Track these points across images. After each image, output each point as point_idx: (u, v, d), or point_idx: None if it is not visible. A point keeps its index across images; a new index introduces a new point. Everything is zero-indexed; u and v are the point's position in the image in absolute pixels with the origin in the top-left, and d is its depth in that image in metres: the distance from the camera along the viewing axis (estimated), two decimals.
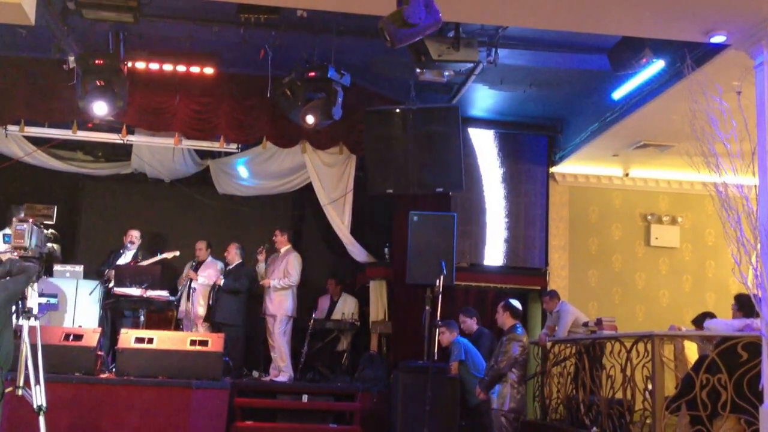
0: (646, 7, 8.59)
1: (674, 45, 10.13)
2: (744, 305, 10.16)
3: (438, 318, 11.61)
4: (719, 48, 9.64)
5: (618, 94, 12.65)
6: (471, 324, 12.79)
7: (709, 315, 11.26)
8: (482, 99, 14.00)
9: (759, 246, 8.38)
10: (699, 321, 11.18)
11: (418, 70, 11.36)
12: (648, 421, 9.68)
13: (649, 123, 12.83)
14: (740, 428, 8.82)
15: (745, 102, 8.68)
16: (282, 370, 13.95)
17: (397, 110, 12.92)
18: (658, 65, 11.05)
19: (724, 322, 10.20)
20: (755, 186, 8.65)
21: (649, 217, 16.14)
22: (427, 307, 11.78)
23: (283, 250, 14.44)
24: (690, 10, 8.57)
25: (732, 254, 8.52)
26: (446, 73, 11.50)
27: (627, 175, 15.97)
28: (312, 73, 11.98)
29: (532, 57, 12.20)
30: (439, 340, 11.78)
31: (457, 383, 11.91)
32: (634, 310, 15.62)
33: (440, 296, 11.58)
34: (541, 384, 13.18)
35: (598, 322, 12.29)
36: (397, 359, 13.54)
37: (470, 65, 11.69)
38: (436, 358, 11.65)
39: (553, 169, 15.67)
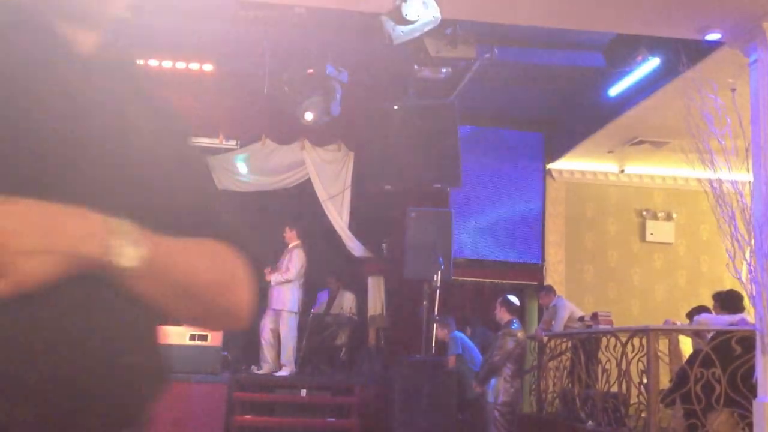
0: (641, 5, 8.63)
1: (669, 42, 10.14)
2: (726, 303, 10.26)
3: (435, 313, 11.66)
4: (714, 45, 9.66)
5: (613, 91, 12.69)
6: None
7: (705, 308, 11.31)
8: (480, 96, 14.00)
9: (753, 241, 8.44)
10: (694, 314, 11.24)
11: (416, 67, 11.36)
12: (643, 414, 9.76)
13: (645, 120, 12.87)
14: (734, 421, 8.89)
15: (740, 99, 8.74)
16: (284, 365, 14.01)
17: (396, 107, 12.93)
18: (653, 62, 11.10)
19: (715, 317, 10.27)
20: (749, 182, 8.70)
21: (644, 213, 16.20)
22: (425, 302, 11.82)
23: (291, 245, 14.50)
24: (685, 8, 8.60)
25: (726, 250, 8.57)
26: (444, 70, 11.49)
27: (622, 171, 16.01)
28: (310, 70, 12.02)
29: (529, 54, 12.24)
30: (436, 335, 11.84)
31: (455, 377, 11.93)
32: (629, 305, 15.69)
33: (438, 291, 11.63)
34: (537, 378, 13.21)
35: (594, 317, 12.38)
36: (394, 354, 13.58)
37: (468, 62, 11.70)
38: (433, 352, 11.70)
39: (549, 166, 15.75)
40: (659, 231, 16.13)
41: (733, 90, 8.77)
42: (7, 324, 1.28)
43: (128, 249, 1.37)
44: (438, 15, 7.42)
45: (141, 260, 1.38)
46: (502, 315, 11.29)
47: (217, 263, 1.57)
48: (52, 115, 1.40)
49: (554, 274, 15.50)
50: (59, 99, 1.43)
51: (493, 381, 10.88)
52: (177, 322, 1.61)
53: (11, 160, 1.34)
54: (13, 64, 1.40)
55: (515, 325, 11.07)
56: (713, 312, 10.79)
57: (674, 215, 16.21)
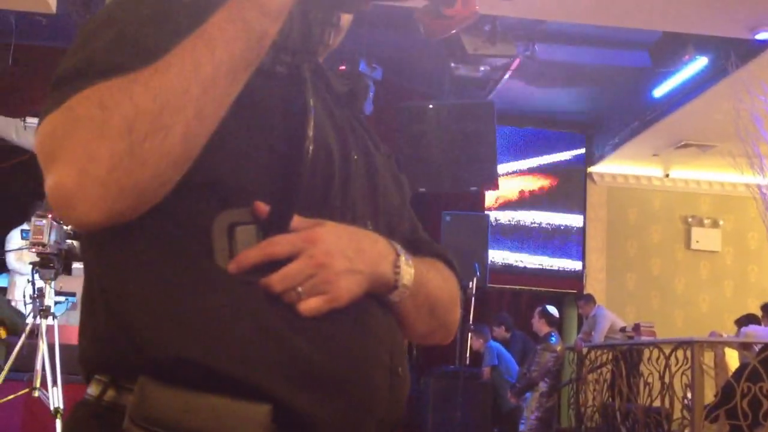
0: (690, 2, 8.48)
1: (718, 41, 10.06)
2: None
3: (470, 322, 11.46)
4: (765, 45, 9.49)
5: (659, 91, 12.47)
6: (500, 332, 12.76)
7: (754, 317, 11.15)
8: (519, 95, 13.81)
9: None
10: (743, 322, 11.10)
11: (452, 65, 11.24)
12: (686, 430, 9.61)
13: (691, 122, 12.63)
14: None
15: None
16: None
17: (431, 106, 12.75)
18: (701, 62, 10.92)
19: (763, 329, 10.12)
20: None
21: (690, 220, 15.92)
22: (460, 311, 11.59)
23: None
24: (735, 6, 8.51)
25: None
26: (482, 68, 11.38)
27: (667, 175, 15.76)
28: (342, 67, 11.82)
29: (571, 52, 12.12)
30: (470, 345, 11.66)
31: (489, 389, 11.84)
32: (672, 316, 15.39)
33: (473, 299, 11.42)
34: (576, 391, 13.09)
35: (636, 328, 12.24)
36: (427, 364, 13.38)
37: (507, 60, 11.52)
38: (468, 363, 11.51)
39: (590, 169, 15.53)
40: (705, 238, 15.82)
41: None
42: (342, 336, 1.39)
43: (408, 269, 1.50)
44: (476, 10, 7.12)
45: (413, 279, 1.51)
46: (541, 327, 11.19)
47: (447, 282, 1.71)
48: (332, 141, 1.52)
49: (595, 283, 15.26)
50: (330, 124, 1.56)
51: (528, 394, 10.76)
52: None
53: (310, 180, 1.43)
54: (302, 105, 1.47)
55: (554, 339, 10.94)
56: (762, 324, 10.61)
57: (721, 222, 15.92)
